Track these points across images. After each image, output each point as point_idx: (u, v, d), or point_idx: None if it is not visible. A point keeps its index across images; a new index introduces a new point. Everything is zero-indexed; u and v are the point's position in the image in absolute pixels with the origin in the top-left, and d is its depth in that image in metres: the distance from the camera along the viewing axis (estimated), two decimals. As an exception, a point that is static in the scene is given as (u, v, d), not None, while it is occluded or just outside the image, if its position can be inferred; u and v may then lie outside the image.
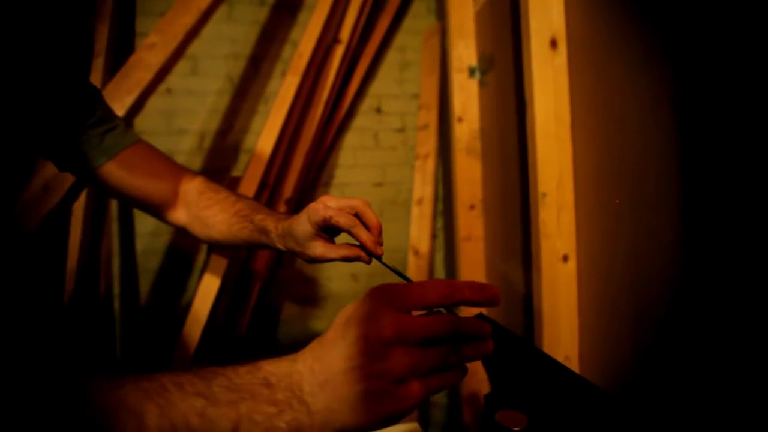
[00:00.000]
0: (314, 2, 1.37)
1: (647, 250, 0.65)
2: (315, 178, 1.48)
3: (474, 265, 1.22)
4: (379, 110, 1.55)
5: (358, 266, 1.53)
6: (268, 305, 1.43)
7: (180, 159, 1.41)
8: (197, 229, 0.64)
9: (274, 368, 0.28)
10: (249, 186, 0.97)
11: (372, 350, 0.27)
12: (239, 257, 1.16)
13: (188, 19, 1.03)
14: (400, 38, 1.57)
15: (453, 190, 1.26)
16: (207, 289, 0.86)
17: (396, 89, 1.57)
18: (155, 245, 1.43)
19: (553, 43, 0.81)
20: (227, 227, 0.61)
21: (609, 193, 0.73)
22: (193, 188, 0.65)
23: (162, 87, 1.42)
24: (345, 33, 1.29)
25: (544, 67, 0.80)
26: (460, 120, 1.22)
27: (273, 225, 0.56)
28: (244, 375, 0.28)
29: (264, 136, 0.98)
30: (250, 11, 1.48)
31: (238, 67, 1.47)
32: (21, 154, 0.49)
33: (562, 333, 0.81)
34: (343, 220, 0.48)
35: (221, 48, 1.46)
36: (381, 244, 0.50)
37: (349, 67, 1.43)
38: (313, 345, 0.30)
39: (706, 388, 0.55)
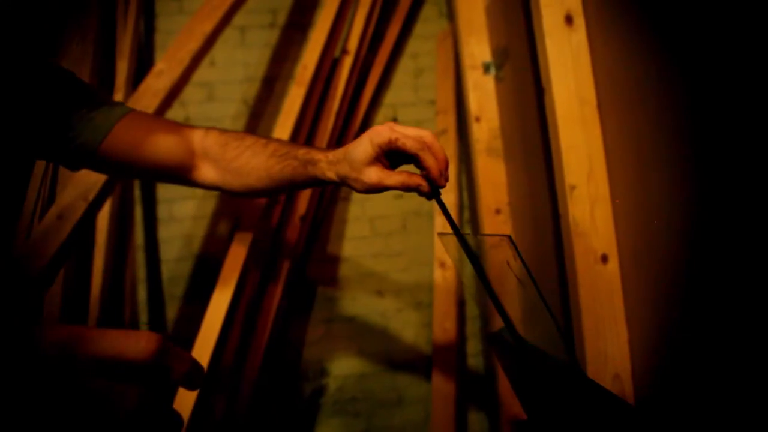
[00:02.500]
0: (321, 17, 1.36)
1: (704, 245, 0.54)
2: (333, 192, 1.44)
3: (503, 273, 1.11)
4: (395, 119, 1.50)
5: (385, 283, 1.46)
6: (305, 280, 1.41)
7: (200, 184, 1.42)
8: (232, 182, 0.60)
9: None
10: (257, 202, 0.94)
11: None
12: (269, 233, 1.13)
13: (193, 45, 1.03)
14: (413, 44, 1.53)
15: (476, 194, 1.17)
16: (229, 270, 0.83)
17: (412, 97, 1.52)
18: (181, 271, 1.43)
19: (569, 19, 0.73)
20: (265, 171, 0.57)
21: (651, 182, 0.63)
22: (212, 143, 0.60)
23: (181, 115, 1.46)
24: (353, 43, 1.27)
25: (560, 46, 0.72)
26: (477, 119, 1.15)
27: (321, 154, 0.53)
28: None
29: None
30: (262, 35, 1.49)
31: (252, 90, 1.48)
32: (16, 156, 0.48)
33: (609, 347, 0.69)
34: (410, 143, 0.46)
35: (235, 73, 1.48)
36: (447, 178, 0.48)
37: (361, 77, 1.40)
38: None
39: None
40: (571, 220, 0.71)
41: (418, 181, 0.47)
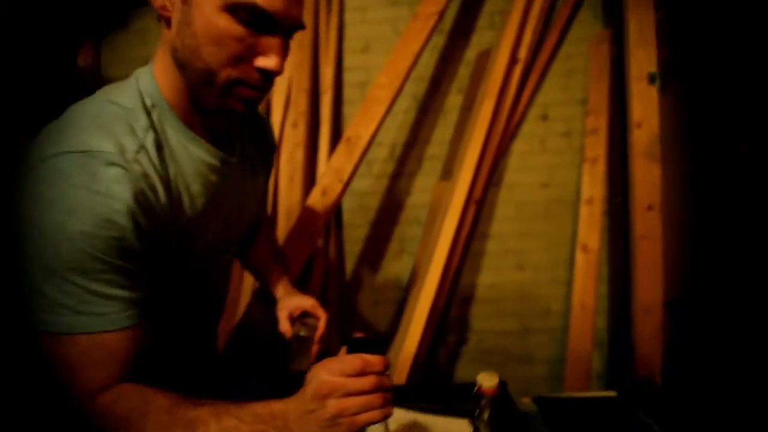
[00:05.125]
0: (486, 24, 1.59)
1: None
2: (488, 180, 1.69)
3: (651, 263, 1.30)
4: (545, 117, 1.69)
5: (525, 259, 1.71)
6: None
7: (376, 166, 1.76)
8: None
9: (277, 405, 0.46)
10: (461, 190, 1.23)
11: (316, 402, 0.45)
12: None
13: (406, 62, 1.31)
14: (566, 47, 1.67)
15: (630, 192, 1.35)
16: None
17: (561, 96, 1.68)
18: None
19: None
20: None
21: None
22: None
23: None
24: (523, 52, 1.47)
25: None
26: (639, 125, 1.31)
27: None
28: (261, 407, 0.47)
29: (469, 153, 1.22)
30: (431, 39, 1.74)
31: (421, 88, 1.75)
32: None
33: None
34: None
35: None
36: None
37: (521, 80, 1.60)
38: (297, 395, 0.46)
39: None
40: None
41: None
